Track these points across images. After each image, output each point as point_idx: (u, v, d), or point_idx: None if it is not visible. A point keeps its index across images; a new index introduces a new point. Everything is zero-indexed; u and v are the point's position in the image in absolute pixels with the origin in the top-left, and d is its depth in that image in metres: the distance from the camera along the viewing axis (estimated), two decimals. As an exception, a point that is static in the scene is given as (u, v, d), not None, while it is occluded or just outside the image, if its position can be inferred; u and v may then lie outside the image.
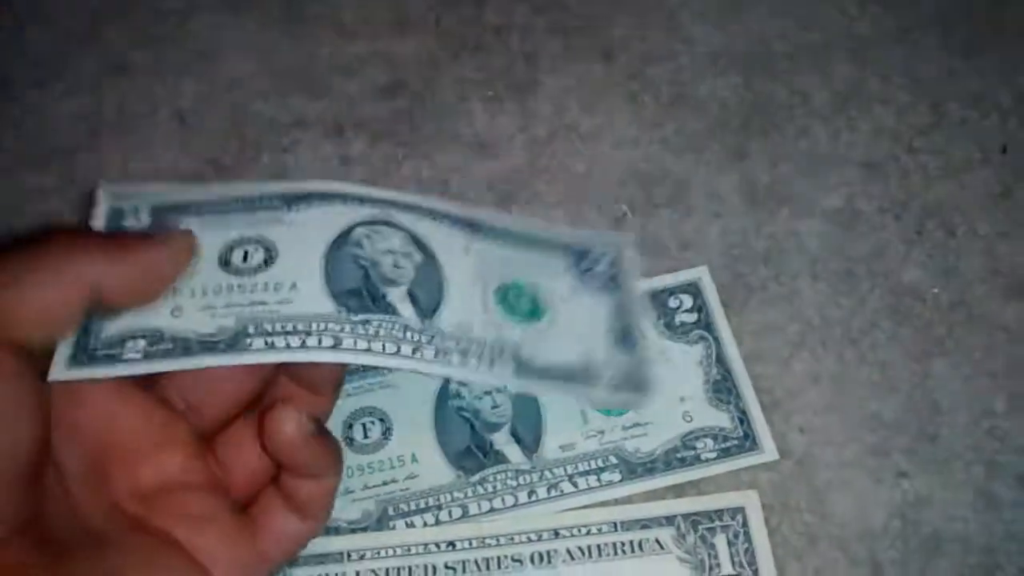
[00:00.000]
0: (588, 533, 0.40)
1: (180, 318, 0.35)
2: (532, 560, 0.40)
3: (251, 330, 0.35)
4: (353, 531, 0.40)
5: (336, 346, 0.35)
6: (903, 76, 0.48)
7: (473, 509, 0.41)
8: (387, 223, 0.39)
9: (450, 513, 0.41)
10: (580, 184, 0.45)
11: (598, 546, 0.40)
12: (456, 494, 0.41)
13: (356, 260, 0.38)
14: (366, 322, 0.36)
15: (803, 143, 0.47)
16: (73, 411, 0.32)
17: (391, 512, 0.41)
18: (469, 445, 0.43)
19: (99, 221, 0.35)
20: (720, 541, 0.39)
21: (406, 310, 0.37)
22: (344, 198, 0.39)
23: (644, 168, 0.47)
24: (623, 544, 0.40)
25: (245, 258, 0.37)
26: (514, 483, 0.42)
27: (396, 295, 0.38)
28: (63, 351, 0.32)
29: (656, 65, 0.51)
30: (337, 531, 0.40)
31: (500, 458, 0.42)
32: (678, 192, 0.47)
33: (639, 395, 0.40)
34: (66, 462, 0.32)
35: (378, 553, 0.40)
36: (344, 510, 0.41)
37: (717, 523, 0.40)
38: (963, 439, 0.38)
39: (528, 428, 0.43)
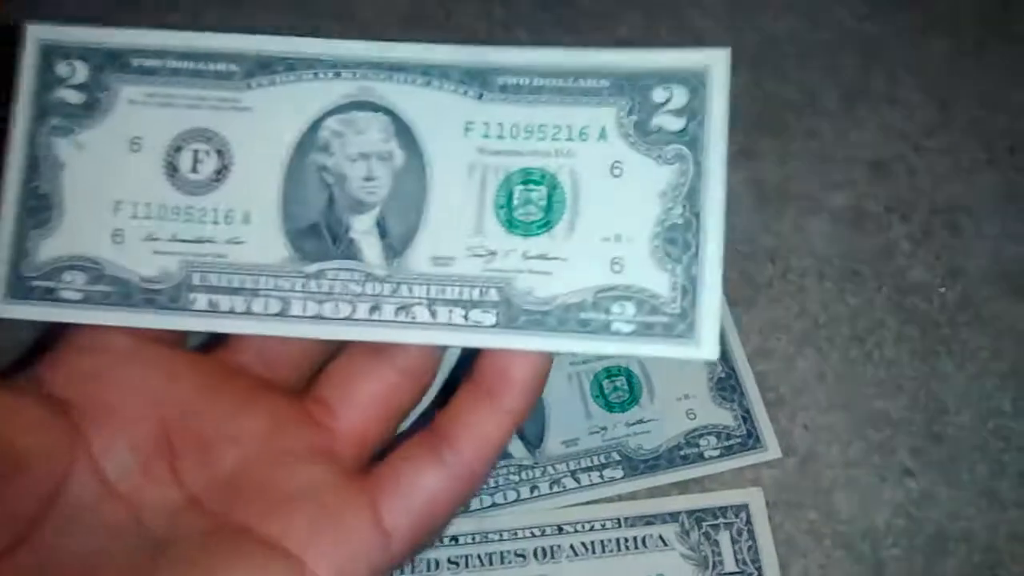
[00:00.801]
0: (591, 529, 0.39)
1: (121, 247, 0.30)
2: (535, 555, 0.39)
3: (195, 280, 0.30)
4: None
5: (283, 313, 0.30)
6: (911, 75, 0.47)
7: (475, 503, 0.40)
8: (365, 104, 0.31)
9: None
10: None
11: (601, 542, 0.39)
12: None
13: (321, 175, 0.31)
14: (320, 274, 0.30)
15: (811, 142, 0.46)
16: (110, 391, 0.28)
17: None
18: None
19: (27, 73, 0.30)
20: (724, 538, 0.38)
21: (371, 249, 0.30)
22: (315, 64, 0.31)
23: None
24: (626, 540, 0.39)
25: (195, 166, 0.31)
26: (516, 478, 0.40)
27: (361, 226, 0.31)
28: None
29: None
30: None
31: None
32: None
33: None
34: (108, 458, 0.27)
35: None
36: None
37: (721, 520, 0.39)
38: (968, 438, 0.38)
39: (532, 423, 0.41)
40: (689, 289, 0.30)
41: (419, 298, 0.30)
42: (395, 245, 0.31)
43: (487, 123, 0.32)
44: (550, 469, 0.41)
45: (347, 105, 0.32)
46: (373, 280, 0.31)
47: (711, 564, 0.38)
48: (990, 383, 0.39)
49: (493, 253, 0.31)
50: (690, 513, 0.39)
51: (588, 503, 0.39)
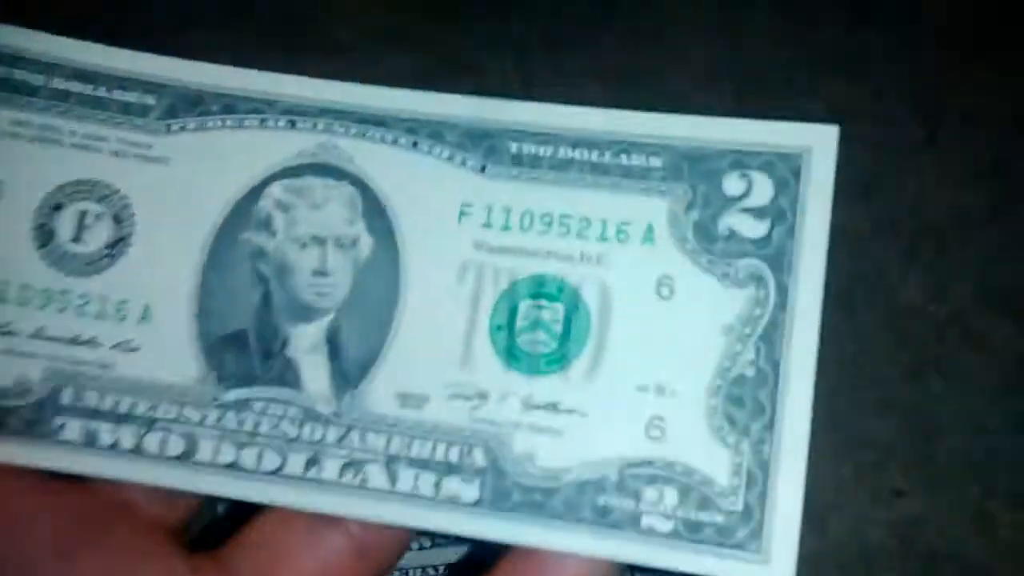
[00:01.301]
0: None
1: None
2: None
3: (65, 399, 0.22)
4: None
5: (186, 456, 0.22)
6: (895, 92, 0.44)
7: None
8: (325, 168, 0.23)
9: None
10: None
11: None
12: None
13: (255, 263, 0.23)
14: (242, 405, 0.22)
15: None
16: None
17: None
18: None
19: None
20: None
21: (316, 375, 0.22)
22: (263, 107, 0.23)
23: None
24: None
25: (79, 233, 0.23)
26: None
27: (305, 341, 0.22)
28: None
29: (646, 82, 0.46)
30: None
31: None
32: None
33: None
34: None
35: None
36: None
37: None
38: (959, 458, 0.37)
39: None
40: (758, 477, 0.21)
41: (375, 452, 0.22)
42: (349, 372, 0.22)
43: (490, 207, 0.23)
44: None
45: (301, 167, 0.23)
46: (315, 420, 0.22)
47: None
48: (979, 402, 0.38)
49: (483, 396, 0.22)
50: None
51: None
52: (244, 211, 0.23)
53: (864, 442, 0.40)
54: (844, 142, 0.45)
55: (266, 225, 0.23)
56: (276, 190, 0.23)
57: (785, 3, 0.48)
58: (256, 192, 0.23)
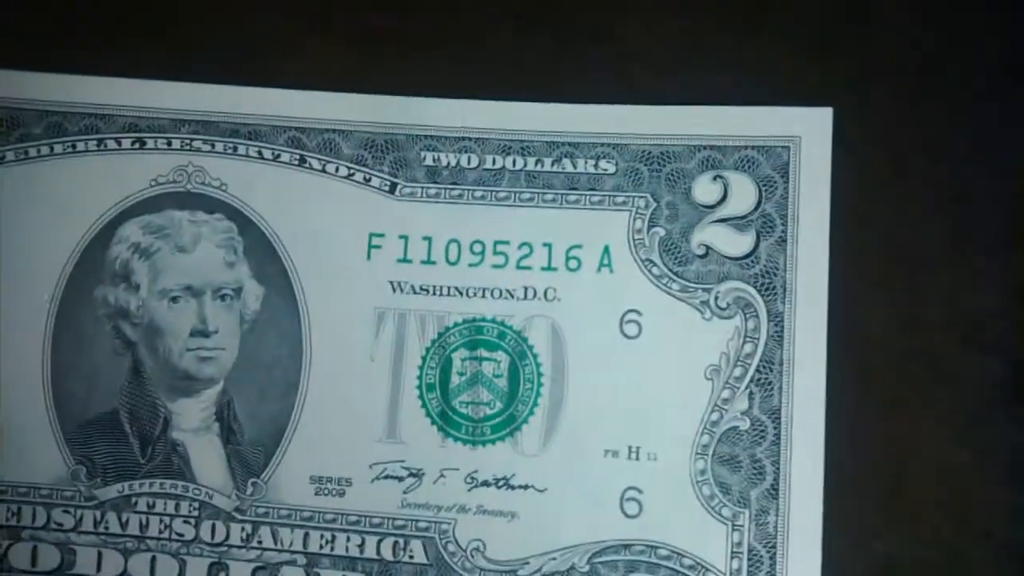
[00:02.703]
0: None
1: None
2: None
3: None
4: None
5: (62, 570, 0.18)
6: (857, 124, 0.39)
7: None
8: (192, 197, 0.18)
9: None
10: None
11: None
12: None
13: (116, 325, 0.18)
14: (122, 504, 0.18)
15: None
16: None
17: None
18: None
19: None
20: None
21: (208, 461, 0.18)
22: (100, 124, 0.18)
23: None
24: None
25: None
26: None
27: (191, 419, 0.18)
28: None
29: (589, 71, 0.39)
30: None
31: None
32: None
33: None
34: None
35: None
36: None
37: None
38: (931, 496, 0.33)
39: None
40: (763, 558, 0.17)
41: (292, 552, 0.17)
42: (249, 456, 0.18)
43: (405, 236, 0.18)
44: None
45: (159, 199, 0.19)
46: (214, 517, 0.18)
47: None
48: (949, 437, 0.34)
49: (417, 475, 0.17)
50: None
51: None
52: (94, 261, 0.18)
53: (838, 482, 0.39)
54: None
55: (124, 277, 0.18)
56: (131, 231, 0.18)
57: (747, 34, 0.43)
58: (106, 235, 0.18)
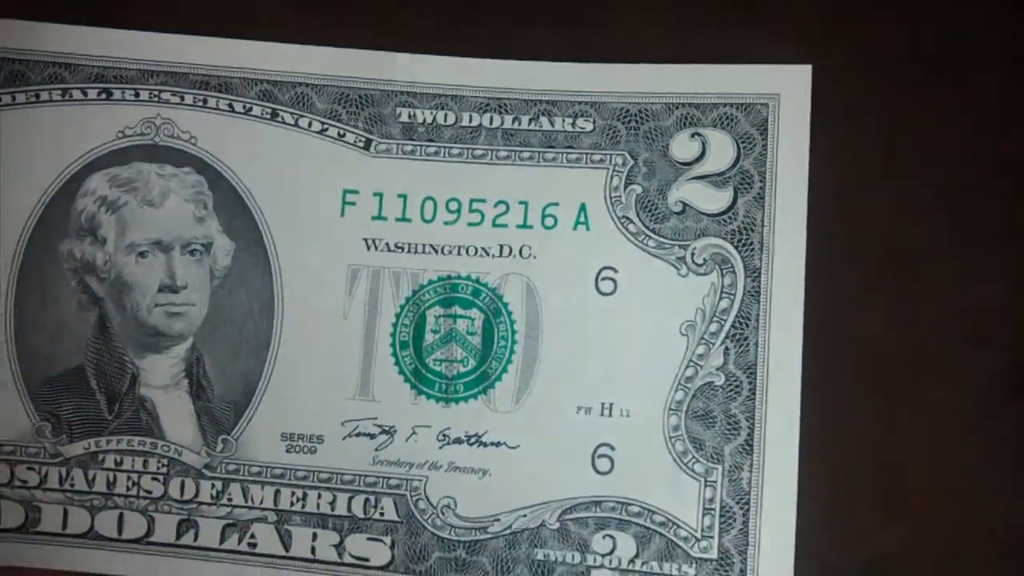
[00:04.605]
0: None
1: None
2: None
3: None
4: None
5: (26, 528, 0.17)
6: (855, 117, 0.39)
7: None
8: (159, 149, 0.17)
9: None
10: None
11: None
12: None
13: (82, 280, 0.17)
14: (89, 460, 0.17)
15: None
16: None
17: None
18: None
19: None
20: None
21: (178, 418, 0.17)
22: (65, 74, 0.17)
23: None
24: None
25: None
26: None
27: (160, 375, 0.17)
28: None
29: (569, 29, 0.38)
30: None
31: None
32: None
33: None
34: None
35: None
36: None
37: None
38: (926, 493, 0.33)
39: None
40: (736, 514, 0.16)
41: (262, 509, 0.17)
42: (220, 412, 0.17)
43: (380, 193, 0.17)
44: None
45: (127, 151, 0.18)
46: (184, 474, 0.17)
47: None
48: (946, 435, 0.33)
49: (389, 432, 0.17)
50: None
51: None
52: (59, 215, 0.17)
53: (833, 481, 0.39)
54: (811, 173, 0.40)
55: (90, 231, 0.17)
56: (98, 184, 0.17)
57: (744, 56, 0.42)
58: (71, 188, 0.17)
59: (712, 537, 0.16)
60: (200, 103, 0.17)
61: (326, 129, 0.17)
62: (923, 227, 0.42)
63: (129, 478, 0.17)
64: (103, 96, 0.17)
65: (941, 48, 0.39)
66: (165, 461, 0.17)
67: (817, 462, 0.38)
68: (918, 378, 0.37)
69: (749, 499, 0.16)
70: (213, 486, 0.17)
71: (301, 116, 0.17)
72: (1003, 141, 0.39)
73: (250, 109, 0.17)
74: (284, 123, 0.17)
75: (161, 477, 0.17)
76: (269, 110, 0.17)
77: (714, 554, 0.16)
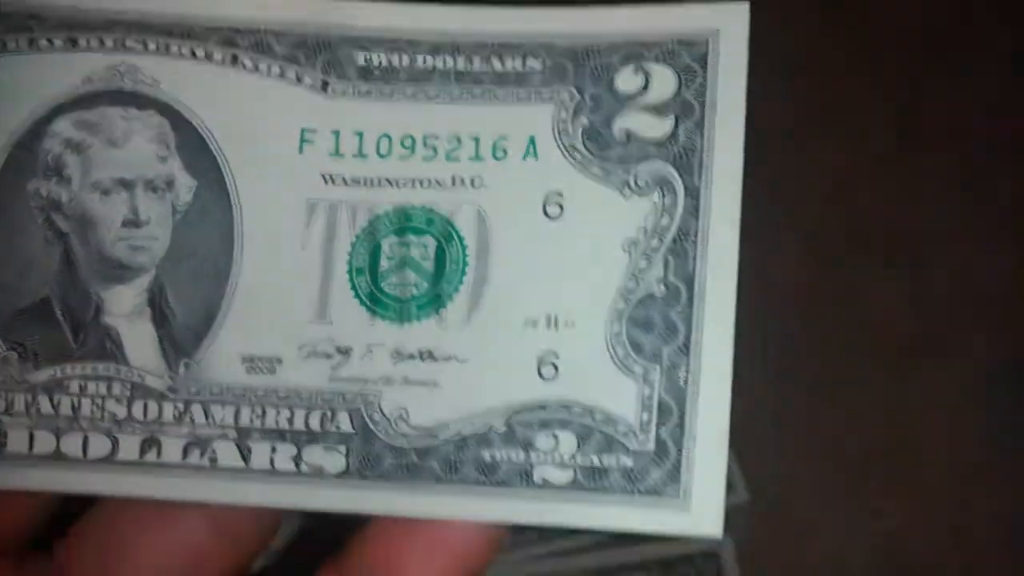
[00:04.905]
0: None
1: None
2: None
3: None
4: None
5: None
6: (869, 94, 0.42)
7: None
8: (123, 95, 0.18)
9: None
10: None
11: None
12: None
13: (49, 217, 0.18)
14: (55, 386, 0.18)
15: (766, 167, 0.38)
16: None
17: None
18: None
19: None
20: None
21: (140, 344, 0.18)
22: (32, 24, 0.18)
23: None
24: None
25: None
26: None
27: (123, 305, 0.18)
28: None
29: None
30: None
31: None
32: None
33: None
34: None
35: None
36: None
37: (691, 569, 0.35)
38: (936, 472, 0.36)
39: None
40: (672, 408, 0.17)
41: (223, 427, 0.17)
42: (181, 338, 0.18)
43: (337, 131, 0.18)
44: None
45: (92, 96, 0.18)
46: (146, 397, 0.18)
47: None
48: (956, 414, 0.37)
49: (345, 352, 0.18)
50: (661, 563, 0.35)
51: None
52: (26, 156, 0.18)
53: (842, 462, 0.40)
54: (819, 147, 0.42)
55: (56, 171, 0.18)
56: (63, 127, 0.18)
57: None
58: (38, 131, 0.18)
59: (649, 431, 0.16)
60: (163, 49, 0.18)
61: (285, 73, 0.18)
62: (931, 209, 0.43)
63: (93, 402, 0.17)
64: (69, 44, 0.18)
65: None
66: (129, 385, 0.17)
67: (829, 444, 0.39)
68: (926, 361, 0.38)
69: (685, 395, 0.16)
70: (175, 407, 0.17)
71: (260, 61, 0.18)
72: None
73: (212, 55, 0.18)
74: (244, 67, 0.18)
75: (125, 400, 0.17)
76: (230, 55, 0.18)
77: (651, 446, 0.16)
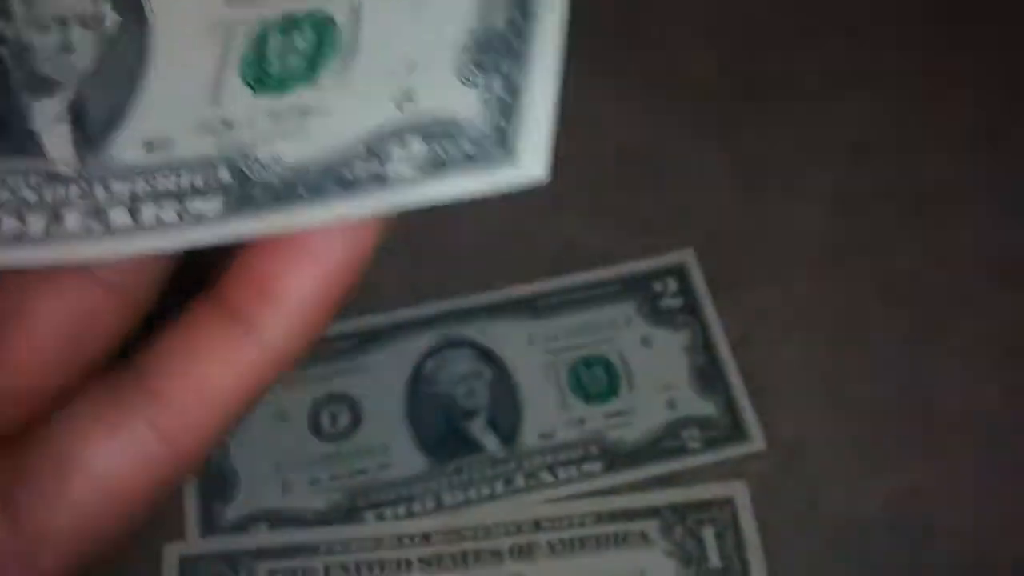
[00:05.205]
0: (570, 526, 0.36)
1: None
2: (511, 553, 0.36)
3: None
4: (321, 524, 0.35)
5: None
6: (894, 53, 0.43)
7: (448, 500, 0.36)
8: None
9: (423, 504, 0.36)
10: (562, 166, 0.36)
11: (580, 539, 0.36)
12: (430, 484, 0.36)
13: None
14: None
15: (793, 123, 0.44)
16: None
17: (360, 503, 0.36)
18: (443, 433, 0.37)
19: None
20: (708, 533, 0.36)
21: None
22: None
23: (631, 146, 0.44)
24: (606, 536, 0.36)
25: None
26: (490, 472, 0.37)
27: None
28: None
29: (644, 42, 0.47)
30: (304, 523, 0.36)
31: (475, 447, 0.37)
32: (665, 171, 0.43)
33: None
34: None
35: (348, 547, 0.35)
36: (311, 500, 0.36)
37: (705, 515, 0.36)
38: (957, 429, 0.35)
39: (506, 416, 0.37)
40: (508, 99, 0.18)
41: (120, 198, 0.19)
42: (93, 133, 0.20)
43: None
44: (526, 463, 0.37)
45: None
46: (56, 182, 0.20)
47: (695, 560, 0.35)
48: (978, 372, 0.36)
49: (231, 124, 0.19)
50: (673, 508, 0.36)
51: (566, 499, 0.37)
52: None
53: (860, 412, 0.40)
54: (844, 105, 0.43)
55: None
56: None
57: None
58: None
59: (487, 121, 0.18)
60: None
61: None
62: (955, 166, 0.42)
63: (9, 191, 0.19)
64: None
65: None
66: (43, 176, 0.19)
67: (848, 393, 0.37)
68: (949, 315, 0.36)
69: (521, 92, 0.17)
70: (80, 188, 0.19)
71: None
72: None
73: None
74: None
75: (37, 188, 0.19)
76: None
77: (488, 130, 0.17)
